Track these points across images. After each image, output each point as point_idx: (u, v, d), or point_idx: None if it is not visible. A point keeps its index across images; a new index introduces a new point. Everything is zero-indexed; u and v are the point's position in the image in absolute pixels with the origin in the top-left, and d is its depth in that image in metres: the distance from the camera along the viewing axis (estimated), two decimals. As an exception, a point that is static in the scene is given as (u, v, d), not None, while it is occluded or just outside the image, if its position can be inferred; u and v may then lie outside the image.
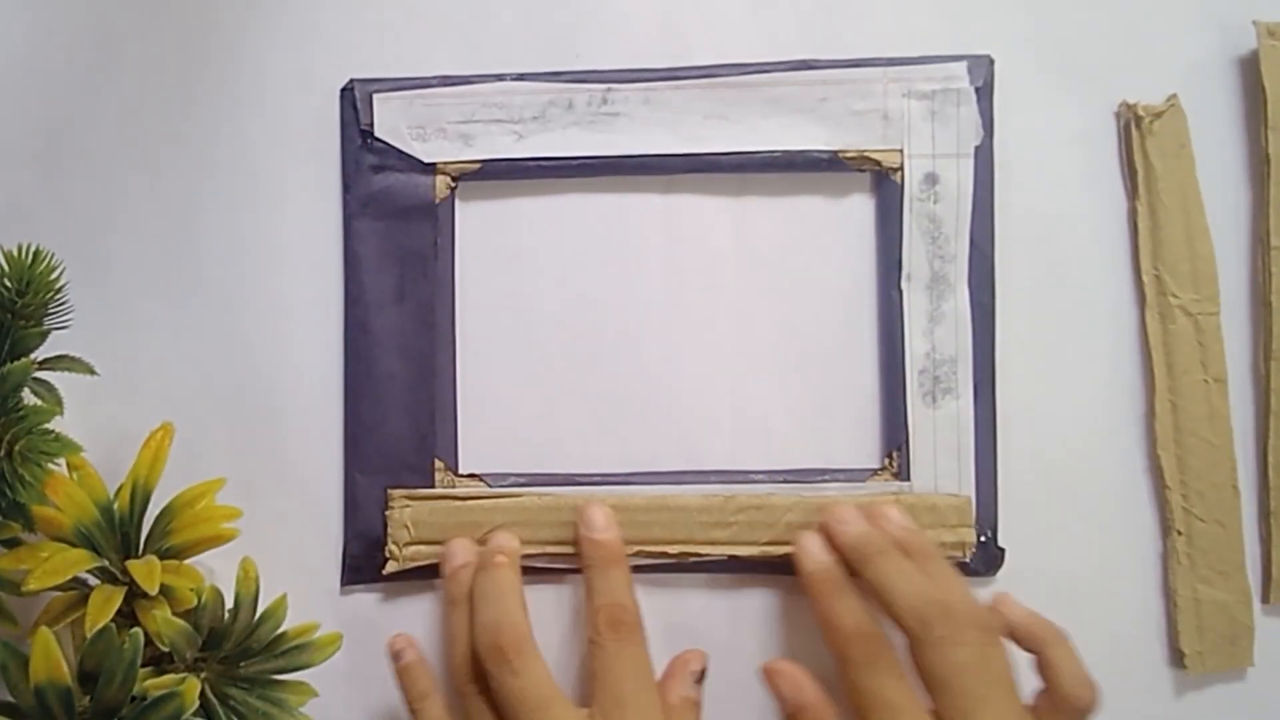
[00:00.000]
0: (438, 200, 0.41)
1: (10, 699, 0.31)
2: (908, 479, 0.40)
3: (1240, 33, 0.42)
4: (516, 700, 0.35)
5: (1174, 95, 0.41)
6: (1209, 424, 0.40)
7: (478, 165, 0.41)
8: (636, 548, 0.40)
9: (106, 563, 0.34)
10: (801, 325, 0.42)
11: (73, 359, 0.36)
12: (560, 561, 0.40)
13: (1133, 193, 0.41)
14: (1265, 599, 0.41)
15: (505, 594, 0.37)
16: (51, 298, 0.35)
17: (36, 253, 0.34)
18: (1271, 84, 0.40)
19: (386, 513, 0.40)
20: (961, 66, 0.40)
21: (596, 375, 0.42)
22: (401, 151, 0.41)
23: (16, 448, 0.32)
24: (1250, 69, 0.41)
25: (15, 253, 0.34)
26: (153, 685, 0.33)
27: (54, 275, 0.34)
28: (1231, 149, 0.41)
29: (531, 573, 0.40)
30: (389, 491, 0.40)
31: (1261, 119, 0.41)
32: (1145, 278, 0.41)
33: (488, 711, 0.36)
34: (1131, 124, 0.41)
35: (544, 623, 0.41)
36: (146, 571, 0.33)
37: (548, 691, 0.36)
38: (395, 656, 0.39)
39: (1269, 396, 0.40)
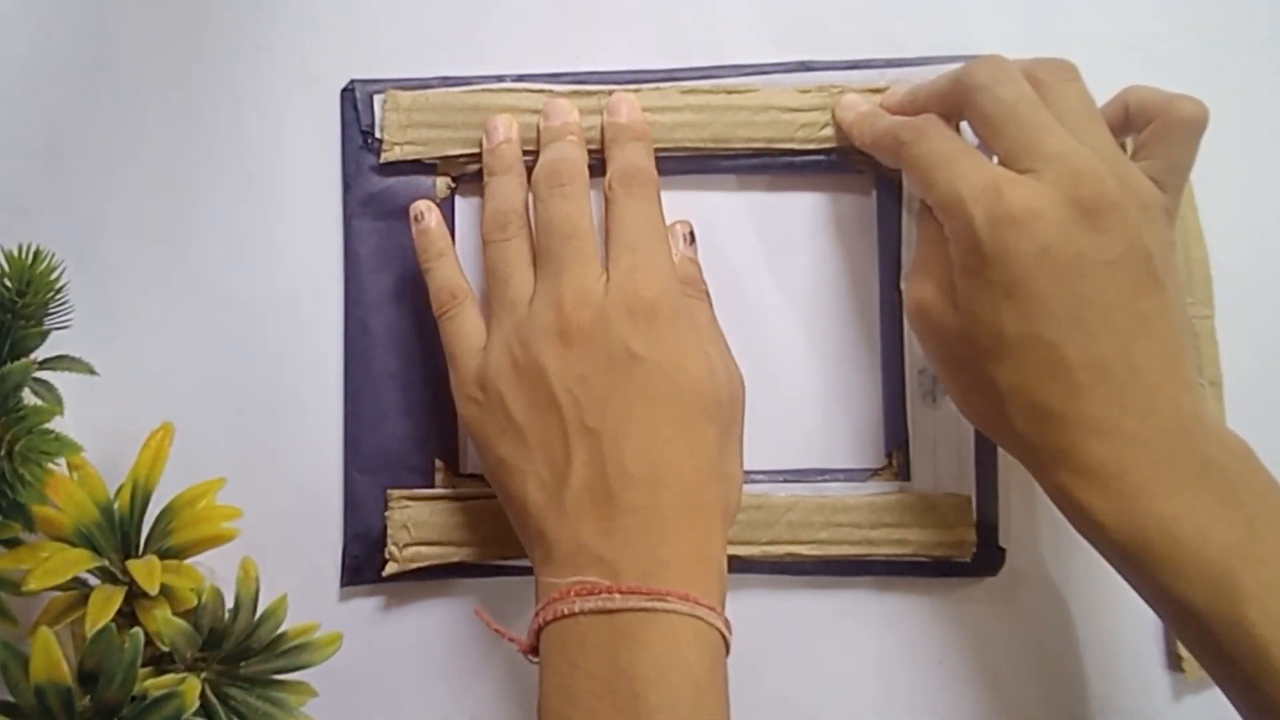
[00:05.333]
0: (438, 200, 0.41)
1: (10, 699, 0.31)
2: (908, 479, 0.40)
3: (1233, 35, 0.42)
4: (557, 223, 0.36)
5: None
6: (1205, 427, 0.40)
7: (478, 165, 0.41)
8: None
9: (106, 563, 0.34)
10: (801, 325, 0.42)
11: (73, 359, 0.36)
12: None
13: (1127, 195, 0.41)
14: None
15: (571, 152, 0.38)
16: (51, 298, 0.35)
17: (36, 253, 0.34)
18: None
19: (386, 513, 0.40)
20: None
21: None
22: (402, 152, 0.41)
23: (16, 448, 0.31)
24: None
25: (15, 253, 0.34)
26: (153, 685, 0.33)
27: (54, 275, 0.34)
28: (1225, 152, 0.42)
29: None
30: (389, 492, 0.40)
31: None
32: (1141, 280, 0.41)
33: (526, 249, 0.38)
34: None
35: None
36: (146, 571, 0.33)
37: (585, 223, 0.36)
38: (417, 219, 0.40)
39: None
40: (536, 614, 0.33)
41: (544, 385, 0.34)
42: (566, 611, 0.32)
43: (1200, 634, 0.31)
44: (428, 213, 0.39)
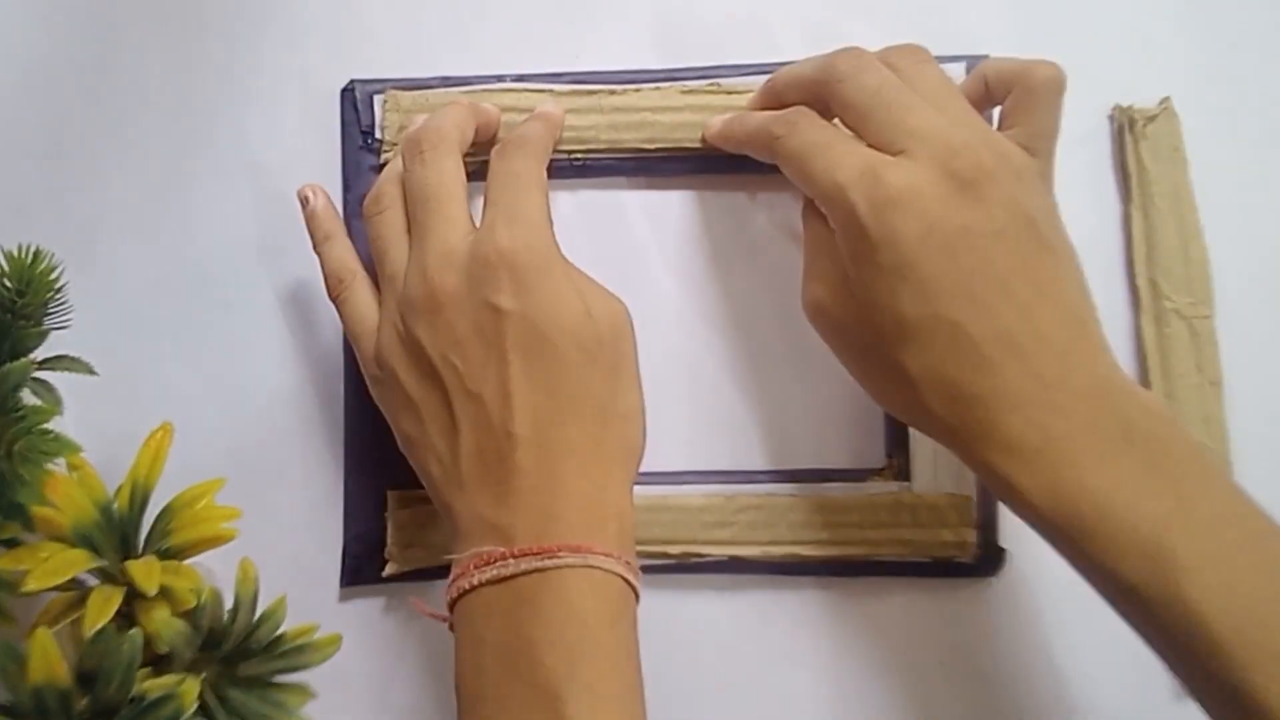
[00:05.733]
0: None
1: (9, 699, 0.31)
2: (908, 479, 0.40)
3: (1233, 35, 0.42)
4: (418, 188, 0.36)
5: (1167, 98, 0.41)
6: (1205, 427, 0.40)
7: (477, 165, 0.41)
8: (638, 548, 0.40)
9: (106, 563, 0.34)
10: (802, 324, 0.42)
11: (73, 359, 0.36)
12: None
13: (1126, 196, 0.42)
14: None
15: (436, 121, 0.37)
16: (51, 298, 0.35)
17: (36, 253, 0.34)
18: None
19: (386, 514, 0.40)
20: (960, 67, 0.41)
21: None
22: (402, 152, 0.41)
23: (16, 448, 0.31)
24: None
25: (15, 253, 0.34)
26: (152, 686, 0.32)
27: (54, 275, 0.34)
28: (1225, 151, 0.42)
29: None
30: (388, 493, 0.40)
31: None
32: (1140, 281, 0.41)
33: (400, 220, 0.37)
34: (1125, 127, 0.41)
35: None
36: (146, 572, 0.33)
37: (448, 186, 0.35)
38: (303, 202, 0.39)
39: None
40: (446, 592, 0.33)
41: (424, 357, 0.34)
42: (468, 586, 0.32)
43: (1137, 609, 0.30)
44: (314, 196, 0.39)
